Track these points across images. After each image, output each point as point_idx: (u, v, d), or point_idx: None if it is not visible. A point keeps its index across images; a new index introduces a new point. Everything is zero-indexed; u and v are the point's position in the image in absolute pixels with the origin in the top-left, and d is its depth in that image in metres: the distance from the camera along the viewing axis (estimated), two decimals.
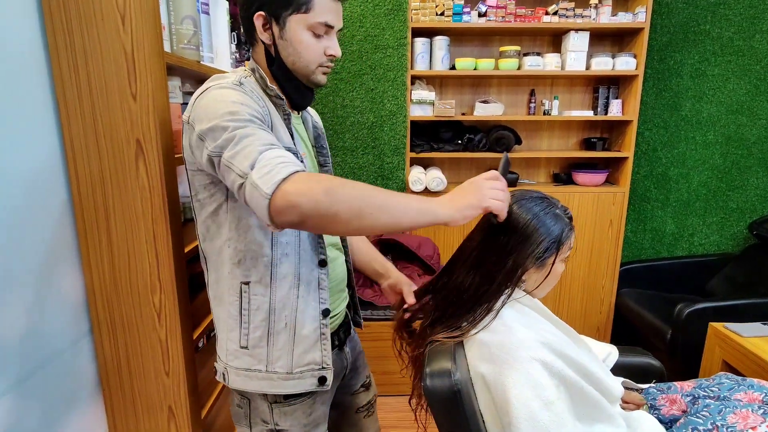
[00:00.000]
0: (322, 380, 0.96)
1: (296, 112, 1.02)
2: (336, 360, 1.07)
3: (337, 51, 0.93)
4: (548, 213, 0.93)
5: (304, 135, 1.03)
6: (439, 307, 1.02)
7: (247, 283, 0.91)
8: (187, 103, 1.48)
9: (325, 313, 0.96)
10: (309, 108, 1.08)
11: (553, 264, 0.95)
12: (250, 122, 0.79)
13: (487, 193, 0.81)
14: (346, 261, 1.11)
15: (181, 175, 1.45)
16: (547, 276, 0.96)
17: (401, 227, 0.77)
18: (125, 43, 1.00)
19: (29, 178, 0.98)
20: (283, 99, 0.93)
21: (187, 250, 1.21)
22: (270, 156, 0.75)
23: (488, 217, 0.92)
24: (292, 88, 0.95)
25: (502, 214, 0.84)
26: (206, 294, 1.01)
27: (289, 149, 0.85)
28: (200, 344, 1.65)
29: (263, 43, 0.92)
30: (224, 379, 0.98)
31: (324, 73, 0.95)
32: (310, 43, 0.90)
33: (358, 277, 2.22)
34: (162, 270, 1.11)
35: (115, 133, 1.04)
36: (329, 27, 0.90)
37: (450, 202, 0.80)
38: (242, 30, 0.95)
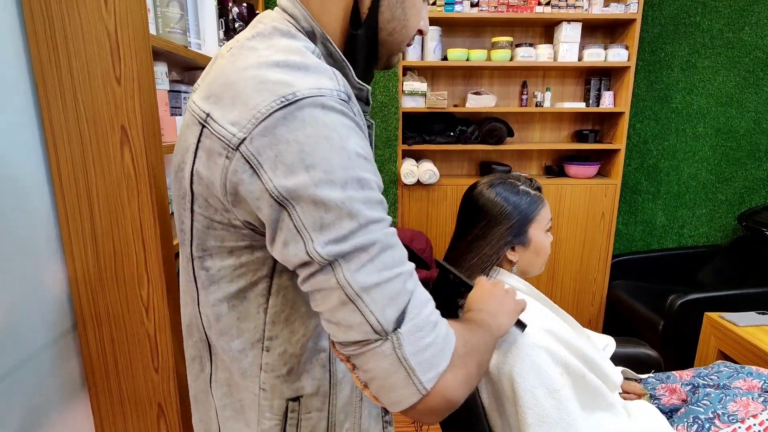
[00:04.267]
0: None
1: None
2: None
3: (428, 25, 0.65)
4: (513, 190, 0.98)
5: None
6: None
7: (297, 399, 0.61)
8: (176, 92, 1.44)
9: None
10: None
11: (530, 236, 0.98)
12: (384, 210, 0.50)
13: (512, 301, 0.77)
14: None
15: (169, 165, 1.40)
16: (528, 248, 0.99)
17: None
18: (108, 24, 0.95)
19: (5, 163, 0.93)
20: (369, 105, 0.62)
21: (175, 242, 1.17)
22: (426, 312, 0.49)
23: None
24: (362, 71, 0.61)
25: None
26: None
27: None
28: None
29: None
30: None
31: None
32: (421, 7, 0.60)
33: None
34: (150, 261, 1.06)
35: (98, 118, 0.99)
36: None
37: (503, 315, 0.72)
38: None
